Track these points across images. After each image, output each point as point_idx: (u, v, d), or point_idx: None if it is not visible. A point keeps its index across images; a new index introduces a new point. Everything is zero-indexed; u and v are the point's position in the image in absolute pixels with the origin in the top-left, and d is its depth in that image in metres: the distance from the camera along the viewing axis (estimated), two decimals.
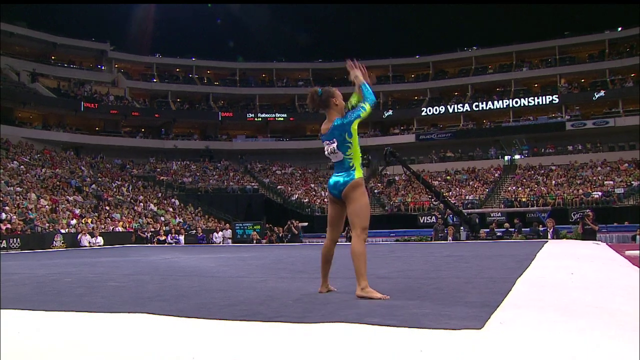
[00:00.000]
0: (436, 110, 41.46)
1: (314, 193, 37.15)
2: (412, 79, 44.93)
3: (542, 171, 34.92)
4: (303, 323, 2.78)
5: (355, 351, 2.13)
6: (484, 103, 40.17)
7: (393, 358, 2.00)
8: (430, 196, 27.41)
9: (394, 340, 2.32)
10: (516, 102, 39.27)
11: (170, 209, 29.09)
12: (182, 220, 27.26)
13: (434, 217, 26.79)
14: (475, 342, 2.23)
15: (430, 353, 2.07)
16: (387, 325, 2.61)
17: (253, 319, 2.95)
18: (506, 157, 37.88)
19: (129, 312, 3.25)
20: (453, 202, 25.06)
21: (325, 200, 35.28)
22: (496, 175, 35.96)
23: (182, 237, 21.64)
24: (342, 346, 2.23)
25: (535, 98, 38.93)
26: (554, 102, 38.57)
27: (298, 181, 39.80)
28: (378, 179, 36.42)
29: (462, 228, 19.26)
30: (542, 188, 31.37)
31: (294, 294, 4.10)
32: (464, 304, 3.30)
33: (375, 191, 36.68)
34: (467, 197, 32.08)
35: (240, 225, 24.55)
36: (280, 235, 22.13)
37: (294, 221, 21.48)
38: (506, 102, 39.60)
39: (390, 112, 42.62)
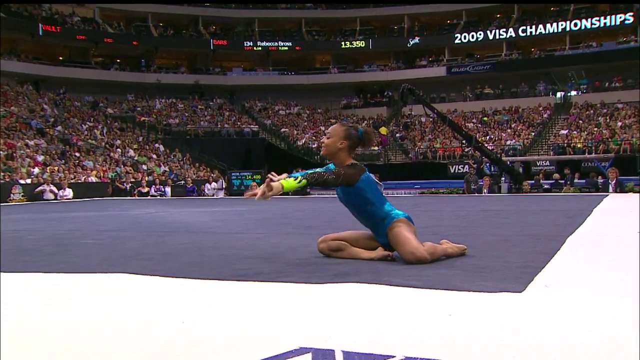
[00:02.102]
0: (473, 36, 40.76)
1: (324, 137, 37.11)
2: None
3: (605, 110, 34.30)
4: (310, 284, 2.83)
5: (372, 315, 2.17)
6: (533, 27, 39.33)
7: (417, 323, 2.04)
8: (462, 142, 27.26)
9: (417, 303, 2.35)
10: (575, 25, 38.27)
11: (154, 156, 29.28)
12: (167, 169, 27.49)
13: (467, 167, 26.75)
14: (515, 307, 2.25)
15: (461, 318, 2.10)
16: (410, 287, 2.65)
17: (252, 279, 3.00)
18: (558, 94, 37.39)
19: (108, 272, 3.32)
20: (490, 148, 24.96)
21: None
22: (545, 115, 35.63)
23: (168, 189, 21.86)
24: (357, 309, 2.27)
25: (602, 18, 37.63)
26: (626, 22, 37.06)
27: (305, 123, 39.71)
28: (399, 120, 36.28)
29: (502, 179, 19.27)
30: (603, 131, 30.91)
31: (301, 251, 4.17)
32: (502, 264, 3.34)
33: (397, 135, 36.59)
34: (508, 143, 31.94)
35: (237, 174, 24.67)
36: None
37: (300, 170, 21.58)
38: (562, 24, 38.59)
39: (416, 40, 42.01)
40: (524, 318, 2.11)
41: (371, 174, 3.88)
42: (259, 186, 3.48)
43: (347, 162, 3.73)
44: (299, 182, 3.42)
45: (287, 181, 3.41)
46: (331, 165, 3.84)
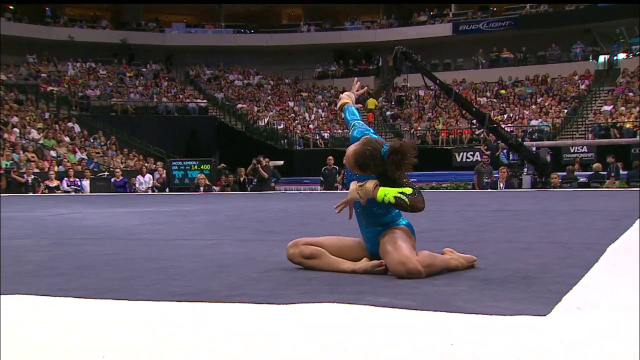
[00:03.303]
0: None
1: (293, 115, 37.09)
2: None
3: None
4: (273, 304, 2.85)
5: (351, 346, 2.19)
6: None
7: (409, 356, 2.07)
8: (472, 122, 27.37)
9: (410, 330, 2.38)
10: None
11: (66, 139, 29.00)
12: (86, 157, 27.24)
13: (477, 154, 26.94)
14: (536, 335, 2.28)
15: (465, 349, 2.13)
16: (400, 308, 2.69)
17: (197, 299, 3.02)
18: (601, 58, 37.68)
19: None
20: (509, 130, 25.15)
21: (311, 127, 35.30)
22: (582, 87, 36.01)
23: (86, 183, 21.70)
24: (332, 338, 2.29)
25: None
26: None
27: (269, 97, 39.60)
28: (390, 94, 36.43)
29: (524, 170, 19.47)
30: None
31: (261, 263, 4.20)
32: (521, 279, 3.40)
33: (388, 113, 36.69)
34: (532, 123, 32.23)
35: (180, 164, 24.59)
36: (242, 179, 22.20)
37: (262, 158, 21.56)
38: None
39: None
40: (547, 349, 2.12)
41: None
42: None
43: (405, 179, 3.79)
44: (401, 195, 3.63)
45: (384, 188, 3.66)
46: (356, 133, 3.99)
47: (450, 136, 32.35)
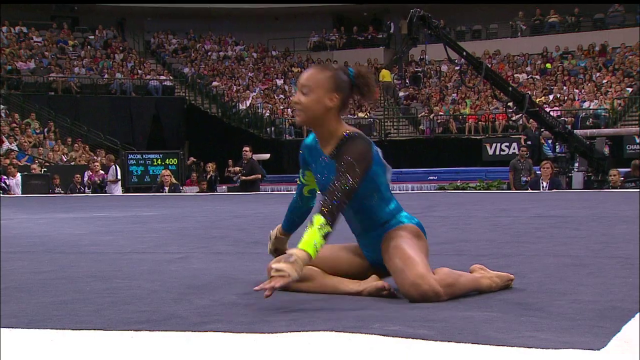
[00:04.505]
0: None
1: (282, 97, 37.04)
2: None
3: None
4: (255, 333, 2.86)
5: None
6: None
7: None
8: (508, 104, 27.21)
9: None
10: None
11: None
12: (16, 148, 27.15)
13: (514, 145, 26.91)
14: None
15: None
16: (416, 338, 2.69)
17: (160, 327, 3.02)
18: None
19: None
20: (556, 115, 25.14)
21: None
22: None
23: (15, 181, 21.64)
24: None
25: None
26: None
27: (251, 73, 39.58)
28: (403, 70, 36.31)
29: (575, 165, 19.44)
30: None
31: (241, 282, 4.21)
32: (569, 303, 3.41)
33: (401, 94, 36.65)
34: (585, 106, 32.21)
35: (139, 157, 24.57)
36: (213, 176, 22.14)
37: (246, 149, 21.50)
38: None
39: None
40: None
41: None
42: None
43: (341, 131, 3.79)
44: (322, 230, 3.48)
45: (306, 240, 3.47)
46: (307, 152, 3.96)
47: (479, 123, 32.40)
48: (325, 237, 3.48)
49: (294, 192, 4.20)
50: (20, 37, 38.40)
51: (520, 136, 25.42)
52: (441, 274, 3.56)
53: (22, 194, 21.12)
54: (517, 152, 22.40)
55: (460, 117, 33.04)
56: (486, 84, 26.45)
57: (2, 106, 31.16)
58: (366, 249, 3.88)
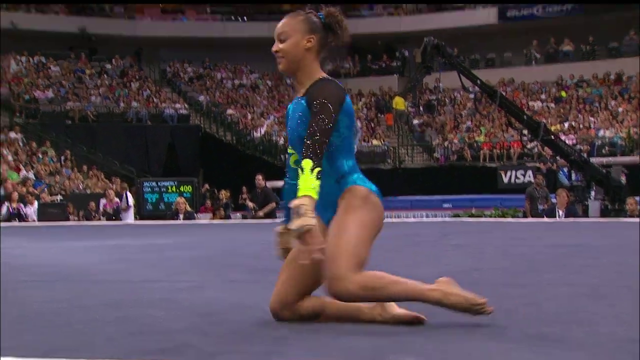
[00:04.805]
0: None
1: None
2: None
3: None
4: None
5: None
6: None
7: None
8: (523, 132, 27.19)
9: None
10: None
11: (7, 153, 28.93)
12: (33, 176, 27.19)
13: (529, 173, 26.80)
14: None
15: None
16: None
17: (174, 355, 3.02)
18: None
19: None
20: (572, 143, 25.08)
21: None
22: None
23: (33, 209, 21.65)
24: None
25: None
26: None
27: (266, 102, 39.64)
28: (417, 98, 36.34)
29: (591, 194, 19.34)
30: None
31: (255, 310, 4.17)
32: (585, 334, 3.38)
33: (415, 122, 36.64)
34: (601, 134, 32.12)
35: (154, 185, 24.61)
36: (226, 202, 22.07)
37: (259, 178, 21.45)
38: None
39: None
40: None
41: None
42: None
43: (318, 75, 3.86)
44: (313, 172, 3.51)
45: (304, 186, 3.49)
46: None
47: (494, 151, 32.32)
48: (319, 176, 3.51)
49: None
50: (39, 67, 38.55)
51: (539, 164, 25.35)
52: (367, 277, 3.52)
53: (38, 221, 21.12)
54: (533, 180, 22.27)
55: (475, 144, 32.98)
56: (501, 111, 26.48)
57: (19, 135, 31.25)
58: (324, 208, 3.77)
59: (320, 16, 3.91)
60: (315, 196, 3.46)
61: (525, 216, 19.50)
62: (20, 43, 39.18)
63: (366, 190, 3.73)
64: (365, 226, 3.66)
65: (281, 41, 3.85)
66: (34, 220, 21.33)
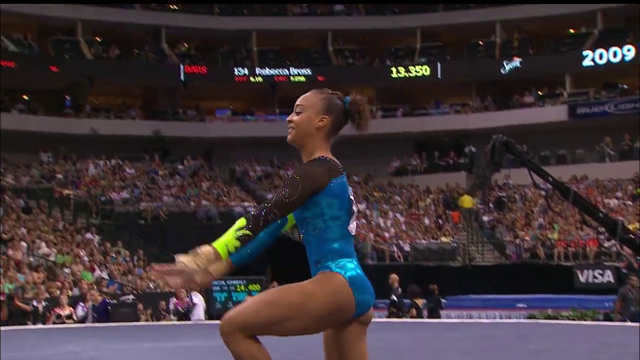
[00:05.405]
0: (614, 54, 40.67)
1: (364, 221, 36.96)
2: None
3: None
4: None
5: None
6: None
7: None
8: (599, 229, 26.74)
9: None
10: None
11: (83, 253, 29.19)
12: (107, 276, 27.32)
13: (607, 272, 26.25)
14: None
15: None
16: None
17: None
18: None
19: None
20: None
21: (386, 235, 35.03)
22: None
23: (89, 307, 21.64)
24: None
25: None
26: None
27: None
28: (487, 195, 36.14)
29: None
30: None
31: None
32: None
33: (485, 218, 36.27)
34: None
35: (223, 284, 24.53)
36: None
37: None
38: None
39: (515, 63, 42.27)
40: None
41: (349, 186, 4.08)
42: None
43: (317, 154, 3.95)
44: (238, 232, 3.58)
45: (220, 240, 3.62)
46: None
47: (569, 249, 31.74)
48: (242, 239, 3.59)
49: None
50: (115, 170, 39.20)
51: (623, 266, 24.84)
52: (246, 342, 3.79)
53: (111, 322, 21.09)
54: (627, 281, 21.67)
55: (549, 242, 32.45)
56: (574, 208, 26.05)
57: (95, 235, 31.58)
58: None
59: (346, 100, 4.00)
60: (223, 256, 3.59)
61: (607, 319, 18.97)
62: (99, 148, 39.99)
63: (336, 276, 3.76)
64: (301, 294, 3.76)
65: (297, 113, 3.99)
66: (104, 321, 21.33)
